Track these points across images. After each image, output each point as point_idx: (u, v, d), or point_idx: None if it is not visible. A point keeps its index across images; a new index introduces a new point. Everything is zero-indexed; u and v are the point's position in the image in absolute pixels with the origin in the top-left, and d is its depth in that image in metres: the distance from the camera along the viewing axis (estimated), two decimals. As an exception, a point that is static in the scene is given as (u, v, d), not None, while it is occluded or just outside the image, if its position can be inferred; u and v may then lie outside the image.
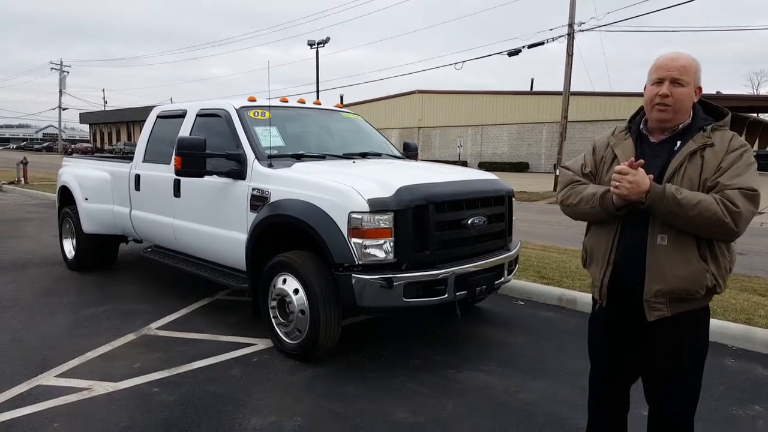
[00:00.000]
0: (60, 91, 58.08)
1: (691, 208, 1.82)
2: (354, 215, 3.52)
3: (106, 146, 65.76)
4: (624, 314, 2.09)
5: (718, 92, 36.78)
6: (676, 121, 2.01)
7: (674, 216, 1.86)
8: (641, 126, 2.12)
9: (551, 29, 36.57)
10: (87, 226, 6.10)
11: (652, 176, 1.92)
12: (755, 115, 45.67)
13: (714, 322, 4.44)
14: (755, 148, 47.90)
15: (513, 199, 4.47)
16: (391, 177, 3.84)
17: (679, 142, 1.99)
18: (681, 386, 2.06)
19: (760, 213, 13.57)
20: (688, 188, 1.90)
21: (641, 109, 2.15)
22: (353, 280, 3.52)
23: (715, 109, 2.08)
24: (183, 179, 4.81)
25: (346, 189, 3.62)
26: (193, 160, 4.22)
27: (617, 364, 2.23)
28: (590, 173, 2.20)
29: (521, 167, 36.50)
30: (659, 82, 1.98)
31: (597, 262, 2.12)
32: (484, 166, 35.28)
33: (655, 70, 2.01)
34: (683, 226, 1.88)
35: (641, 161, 1.92)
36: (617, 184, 1.92)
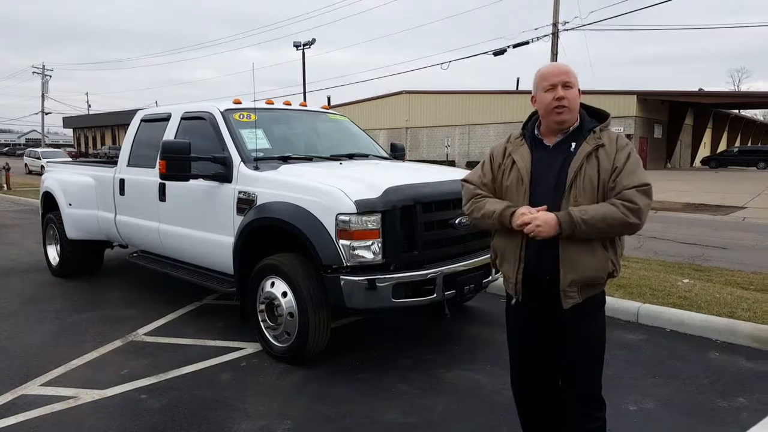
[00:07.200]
0: (42, 96, 57.28)
1: (598, 222, 2.01)
2: (341, 217, 3.51)
3: (91, 150, 65.01)
4: (539, 305, 2.25)
5: (700, 89, 37.28)
6: (571, 121, 2.18)
7: (588, 234, 2.04)
8: (535, 131, 2.27)
9: (536, 29, 36.96)
10: (71, 232, 6.03)
11: (545, 207, 2.07)
12: (737, 111, 46.37)
13: (698, 316, 4.52)
14: (737, 143, 48.58)
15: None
16: (378, 178, 3.84)
17: (573, 144, 2.15)
18: (592, 365, 2.26)
19: (743, 208, 13.76)
20: (590, 187, 2.07)
21: (533, 115, 2.31)
22: (342, 282, 3.51)
23: (597, 112, 2.26)
24: (168, 183, 4.76)
25: (333, 191, 3.62)
26: (178, 163, 4.19)
27: (536, 351, 2.37)
28: (489, 182, 2.35)
29: (508, 166, 36.62)
30: (552, 87, 2.14)
31: (509, 260, 2.25)
32: (473, 165, 35.32)
33: (545, 78, 2.17)
34: (597, 237, 2.07)
35: (544, 206, 2.08)
36: (533, 229, 2.05)
